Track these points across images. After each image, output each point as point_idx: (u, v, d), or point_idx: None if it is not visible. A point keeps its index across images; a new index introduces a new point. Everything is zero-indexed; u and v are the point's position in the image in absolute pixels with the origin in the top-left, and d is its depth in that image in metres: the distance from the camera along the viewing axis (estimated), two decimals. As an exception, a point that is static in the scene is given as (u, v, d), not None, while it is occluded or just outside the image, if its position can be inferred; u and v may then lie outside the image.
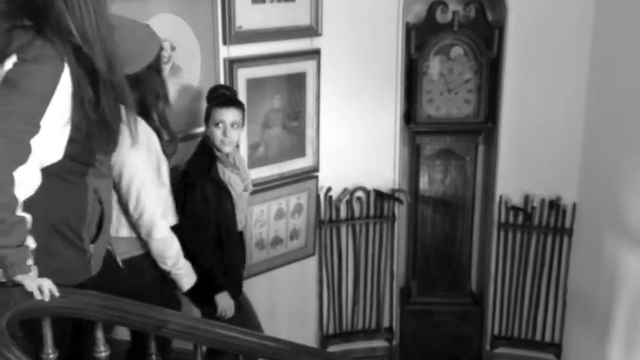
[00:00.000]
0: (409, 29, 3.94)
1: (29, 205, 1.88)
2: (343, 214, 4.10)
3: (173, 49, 3.05)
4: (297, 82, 3.64)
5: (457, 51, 4.03)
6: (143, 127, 2.42)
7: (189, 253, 2.72)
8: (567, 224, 4.15)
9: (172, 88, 2.97)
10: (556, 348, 4.33)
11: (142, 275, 2.60)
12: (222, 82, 3.29)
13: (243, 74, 3.37)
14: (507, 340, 4.40)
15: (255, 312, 3.18)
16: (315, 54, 3.64)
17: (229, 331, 2.33)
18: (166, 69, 3.01)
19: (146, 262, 2.59)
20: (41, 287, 1.86)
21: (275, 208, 3.76)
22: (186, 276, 2.65)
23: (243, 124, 2.95)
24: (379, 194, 4.08)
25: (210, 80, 3.22)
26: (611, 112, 3.86)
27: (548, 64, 3.97)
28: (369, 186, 4.10)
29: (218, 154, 2.87)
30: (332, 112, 3.85)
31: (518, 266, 4.30)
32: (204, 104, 2.94)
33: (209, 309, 2.90)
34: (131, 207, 2.48)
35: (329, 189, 4.01)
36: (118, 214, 2.51)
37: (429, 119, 4.12)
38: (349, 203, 4.09)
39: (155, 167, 2.56)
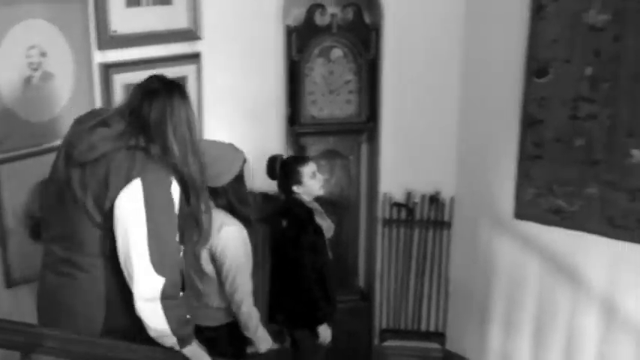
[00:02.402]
0: (290, 32, 3.97)
1: None
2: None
3: (43, 55, 2.92)
4: (177, 86, 3.56)
5: (337, 53, 4.11)
6: (237, 224, 2.91)
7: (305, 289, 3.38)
8: (446, 217, 4.34)
9: (41, 95, 2.91)
10: (441, 337, 4.51)
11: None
12: (97, 88, 3.18)
13: (120, 80, 3.26)
14: (395, 333, 4.53)
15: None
16: (195, 58, 3.59)
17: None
18: (36, 76, 2.89)
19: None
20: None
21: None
22: (264, 341, 3.06)
23: None
24: (265, 197, 4.08)
25: (84, 86, 3.09)
26: (482, 108, 4.07)
27: (424, 63, 4.12)
28: (256, 189, 4.08)
29: (312, 206, 3.46)
30: (216, 116, 3.81)
31: (402, 261, 4.44)
32: (75, 113, 2.79)
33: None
34: (227, 285, 2.95)
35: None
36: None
37: (312, 120, 4.18)
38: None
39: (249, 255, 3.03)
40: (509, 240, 4.06)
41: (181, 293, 2.33)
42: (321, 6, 3.96)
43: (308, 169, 3.44)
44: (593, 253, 3.70)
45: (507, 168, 3.93)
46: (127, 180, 2.15)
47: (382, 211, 4.32)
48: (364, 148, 4.37)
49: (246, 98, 3.91)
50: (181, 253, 2.38)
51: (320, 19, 3.98)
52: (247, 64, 3.84)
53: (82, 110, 2.53)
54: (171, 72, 3.45)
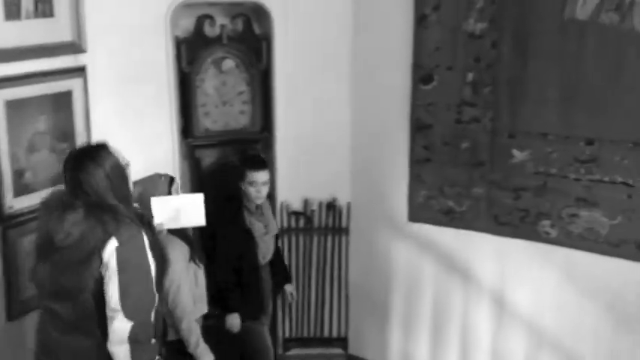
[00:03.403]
0: (179, 43, 3.92)
1: None
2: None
3: None
4: (63, 101, 3.42)
5: (229, 64, 4.10)
6: (181, 245, 3.18)
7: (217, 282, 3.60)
8: (344, 223, 4.41)
9: None
10: (343, 342, 4.57)
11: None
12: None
13: (3, 96, 3.11)
14: (298, 341, 4.54)
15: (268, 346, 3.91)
16: (80, 71, 3.46)
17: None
18: None
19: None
20: None
21: (49, 236, 3.52)
22: (205, 356, 3.20)
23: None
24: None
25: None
26: (373, 114, 4.17)
27: (315, 72, 4.18)
28: (151, 203, 4.00)
29: (247, 204, 3.75)
30: (104, 131, 3.68)
31: (302, 269, 4.47)
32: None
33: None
34: (168, 302, 3.13)
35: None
36: None
37: (206, 132, 4.14)
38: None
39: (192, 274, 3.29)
40: (405, 242, 4.18)
41: (153, 340, 2.57)
42: (210, 17, 3.94)
43: (252, 176, 3.72)
44: (482, 250, 3.88)
45: (400, 172, 4.05)
46: (106, 241, 2.46)
47: (280, 221, 4.33)
48: (260, 159, 4.38)
49: (136, 112, 3.81)
50: (156, 298, 2.58)
51: (210, 30, 3.96)
52: (136, 77, 3.75)
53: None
54: (55, 86, 3.37)
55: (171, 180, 3.29)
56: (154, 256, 2.59)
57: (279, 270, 4.12)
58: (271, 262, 4.01)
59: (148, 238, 2.57)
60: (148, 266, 2.53)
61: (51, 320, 2.58)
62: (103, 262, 2.46)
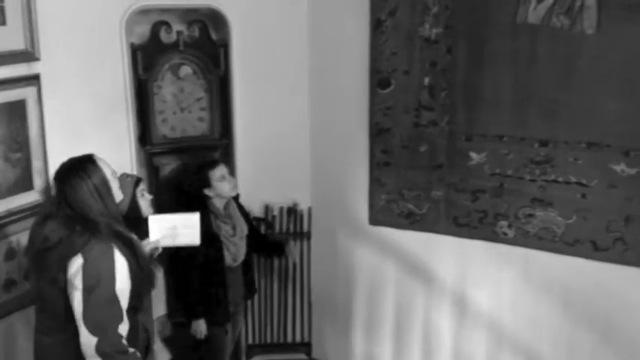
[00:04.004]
0: (135, 50, 3.88)
1: None
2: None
3: None
4: (16, 110, 3.36)
5: (186, 70, 4.07)
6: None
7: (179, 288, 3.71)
8: (305, 228, 4.41)
9: None
10: (306, 346, 4.58)
11: None
12: None
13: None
14: (261, 347, 4.54)
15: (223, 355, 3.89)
16: (34, 80, 3.40)
17: None
18: None
19: None
20: None
21: (4, 248, 3.44)
22: None
23: None
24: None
25: None
26: (333, 119, 4.19)
27: (273, 78, 4.18)
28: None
29: (213, 209, 3.71)
30: (60, 141, 3.63)
31: (265, 274, 4.46)
32: None
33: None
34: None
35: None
36: None
37: (164, 139, 4.10)
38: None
39: None
40: (366, 246, 4.20)
41: (132, 349, 2.61)
42: (166, 23, 3.91)
43: (217, 173, 3.68)
44: (443, 252, 3.92)
45: (360, 176, 4.08)
46: (72, 256, 2.54)
47: (241, 227, 4.32)
48: (220, 165, 4.35)
49: (92, 120, 3.75)
50: (124, 313, 2.61)
51: (166, 37, 3.93)
52: (91, 85, 3.70)
53: None
54: (8, 95, 3.30)
55: (138, 181, 3.31)
56: (137, 270, 2.65)
57: (271, 244, 4.10)
58: (259, 246, 4.02)
59: (124, 254, 2.60)
60: (113, 284, 2.55)
61: (36, 321, 2.75)
62: (67, 277, 2.54)
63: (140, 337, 2.83)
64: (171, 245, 3.09)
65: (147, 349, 2.96)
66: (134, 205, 3.25)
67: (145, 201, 3.33)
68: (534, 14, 3.35)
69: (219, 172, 3.71)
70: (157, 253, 3.02)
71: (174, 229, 3.05)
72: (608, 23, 3.19)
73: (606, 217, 3.38)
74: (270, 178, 4.31)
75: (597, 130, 3.32)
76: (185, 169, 4.12)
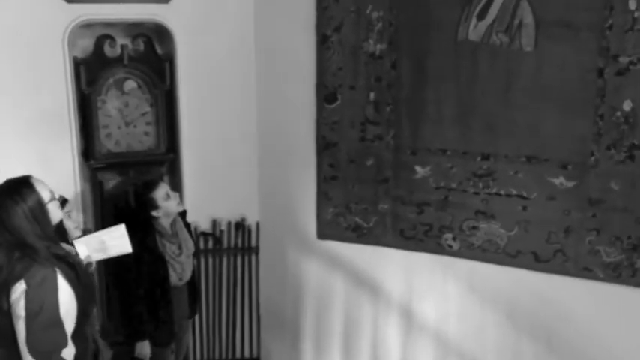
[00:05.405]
0: (78, 64, 3.82)
1: None
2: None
3: None
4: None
5: (131, 84, 4.03)
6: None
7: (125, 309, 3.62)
8: (253, 243, 4.40)
9: None
10: (256, 361, 4.56)
11: None
12: None
13: None
14: (210, 364, 4.50)
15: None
16: (-29, 94, 3.33)
17: None
18: None
19: None
20: None
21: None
22: None
23: None
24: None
25: None
26: (280, 133, 4.20)
27: (219, 92, 4.17)
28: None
29: (160, 229, 3.64)
30: (3, 155, 3.56)
31: (213, 290, 4.42)
32: None
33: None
34: None
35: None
36: None
37: (109, 154, 4.04)
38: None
39: None
40: (314, 260, 4.21)
41: None
42: (110, 37, 3.86)
43: (161, 192, 3.61)
44: (390, 265, 3.96)
45: (308, 190, 4.09)
46: (14, 282, 2.51)
47: (188, 242, 4.28)
48: (166, 180, 4.28)
49: (35, 134, 3.69)
50: (68, 337, 2.60)
51: (110, 51, 3.88)
52: (34, 99, 3.63)
53: None
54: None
55: (64, 202, 3.22)
56: (80, 287, 2.63)
57: None
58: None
59: (67, 276, 2.58)
60: (57, 309, 2.53)
61: None
62: (10, 302, 2.51)
63: (89, 347, 2.81)
64: (104, 257, 3.05)
65: (95, 358, 2.93)
66: (61, 226, 3.13)
67: (72, 223, 3.26)
68: (475, 32, 3.43)
69: (162, 191, 3.64)
70: (91, 268, 2.96)
71: (104, 244, 3.02)
72: (545, 41, 3.28)
73: (546, 229, 3.46)
74: (218, 193, 4.29)
75: (536, 144, 3.41)
76: (127, 190, 4.05)
